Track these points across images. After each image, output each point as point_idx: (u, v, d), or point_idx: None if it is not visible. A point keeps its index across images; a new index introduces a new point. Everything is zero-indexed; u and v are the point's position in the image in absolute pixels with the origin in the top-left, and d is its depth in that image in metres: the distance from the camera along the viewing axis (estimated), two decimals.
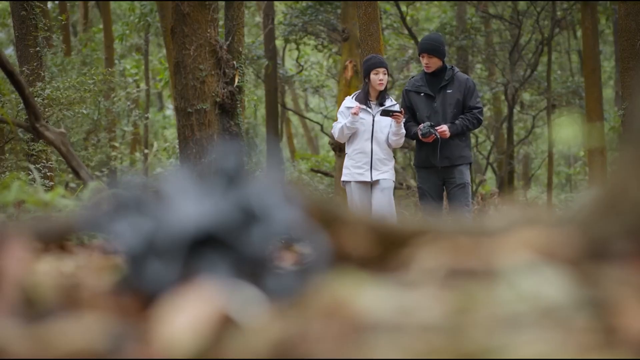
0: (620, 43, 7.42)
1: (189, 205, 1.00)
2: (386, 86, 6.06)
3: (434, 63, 6.03)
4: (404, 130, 5.92)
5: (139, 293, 0.98)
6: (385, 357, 0.71)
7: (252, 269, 0.97)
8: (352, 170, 5.97)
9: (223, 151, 1.09)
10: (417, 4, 15.62)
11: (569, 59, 18.16)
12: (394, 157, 6.25)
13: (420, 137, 5.83)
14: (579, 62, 16.15)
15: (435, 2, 15.92)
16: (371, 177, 5.92)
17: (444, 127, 5.81)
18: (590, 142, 10.64)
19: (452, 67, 6.17)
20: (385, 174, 5.98)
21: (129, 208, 1.05)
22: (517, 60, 13.44)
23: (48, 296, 0.99)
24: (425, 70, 6.04)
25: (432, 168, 5.92)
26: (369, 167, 5.95)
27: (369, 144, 5.96)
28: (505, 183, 13.87)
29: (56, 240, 1.13)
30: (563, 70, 17.96)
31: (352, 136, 5.99)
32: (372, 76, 5.98)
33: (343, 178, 6.07)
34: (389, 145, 6.01)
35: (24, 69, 8.12)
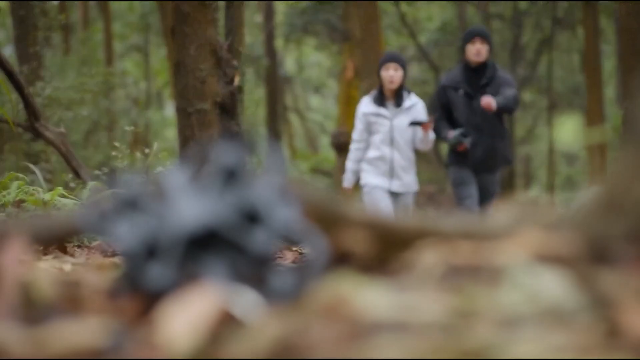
0: (622, 42, 7.42)
1: (190, 205, 1.00)
2: (402, 83, 5.49)
3: (486, 51, 5.37)
4: (432, 136, 5.41)
5: (139, 293, 0.98)
6: (386, 357, 0.70)
7: (253, 268, 0.97)
8: (372, 178, 5.47)
9: (223, 151, 1.08)
10: (418, 3, 15.62)
11: (570, 58, 18.15)
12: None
13: (450, 146, 5.34)
14: (580, 61, 16.14)
15: (436, 2, 15.92)
16: (392, 186, 5.44)
17: (489, 100, 5.12)
18: (591, 142, 10.64)
19: (494, 64, 5.51)
20: (408, 185, 5.47)
21: (129, 207, 1.05)
22: (517, 60, 13.44)
23: (48, 296, 0.99)
24: (475, 59, 5.38)
25: (469, 167, 5.37)
26: (390, 176, 5.44)
27: (388, 150, 5.44)
28: (506, 183, 13.87)
29: (56, 240, 1.13)
30: (564, 70, 17.95)
31: (370, 141, 5.50)
32: (382, 73, 5.46)
33: (362, 181, 5.55)
34: (413, 149, 5.49)
35: (23, 68, 8.12)
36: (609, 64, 18.76)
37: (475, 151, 5.33)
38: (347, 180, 5.61)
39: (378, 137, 5.47)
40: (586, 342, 0.72)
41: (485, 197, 5.42)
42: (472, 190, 5.38)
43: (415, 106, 5.48)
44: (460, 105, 5.39)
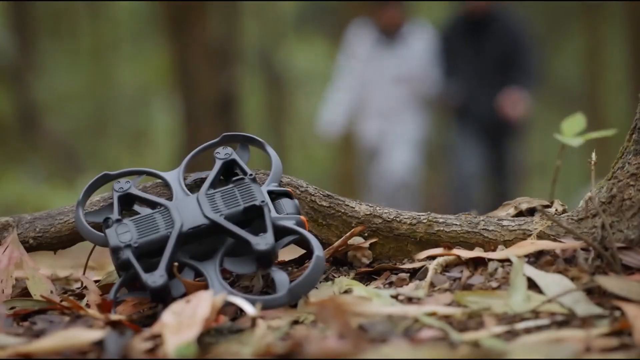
0: (626, 42, 7.44)
1: (190, 204, 1.00)
2: (402, 22, 4.60)
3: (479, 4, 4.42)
4: (436, 89, 4.59)
5: (138, 292, 0.98)
6: (387, 357, 0.70)
7: (254, 268, 0.98)
8: (365, 130, 4.62)
9: (224, 151, 1.09)
10: (419, 4, 15.66)
11: (572, 58, 18.18)
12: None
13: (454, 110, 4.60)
14: (583, 61, 16.17)
15: (435, 3, 15.97)
16: (386, 134, 4.58)
17: (513, 105, 4.36)
18: (593, 142, 10.64)
19: (503, 14, 4.60)
20: (407, 126, 4.59)
21: (130, 207, 1.05)
22: None
23: (45, 296, 0.99)
24: (473, 7, 4.50)
25: (472, 127, 4.58)
26: (383, 123, 4.57)
27: (383, 94, 4.59)
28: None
29: (56, 240, 1.13)
30: (566, 70, 17.99)
31: (361, 85, 4.61)
32: (377, 12, 4.61)
33: (362, 138, 4.72)
34: (416, 93, 4.63)
35: (22, 65, 8.13)
36: (612, 63, 18.79)
37: (476, 110, 4.53)
38: (330, 125, 4.75)
39: (371, 80, 4.61)
40: (586, 343, 0.73)
41: (499, 169, 4.65)
42: (472, 158, 4.59)
43: (419, 42, 4.62)
44: (460, 59, 4.55)
